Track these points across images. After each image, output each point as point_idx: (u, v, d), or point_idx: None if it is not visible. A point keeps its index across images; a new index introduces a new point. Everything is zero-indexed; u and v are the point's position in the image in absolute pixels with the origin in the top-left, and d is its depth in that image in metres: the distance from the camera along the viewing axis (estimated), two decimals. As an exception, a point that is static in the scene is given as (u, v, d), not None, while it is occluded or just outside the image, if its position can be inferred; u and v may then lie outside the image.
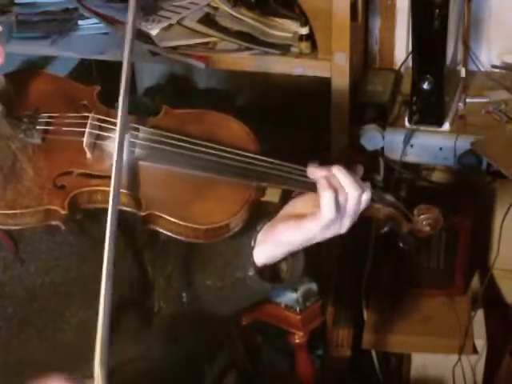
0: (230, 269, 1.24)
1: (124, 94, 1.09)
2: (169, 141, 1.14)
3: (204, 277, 1.28)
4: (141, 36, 1.86)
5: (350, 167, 1.18)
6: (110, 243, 1.03)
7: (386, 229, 1.24)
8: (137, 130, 1.13)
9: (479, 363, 2.08)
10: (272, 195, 1.65)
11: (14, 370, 1.19)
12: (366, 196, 1.16)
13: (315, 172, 1.15)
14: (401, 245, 1.26)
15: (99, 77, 2.17)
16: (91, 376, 0.99)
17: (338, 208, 1.13)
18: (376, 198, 1.20)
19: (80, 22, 1.93)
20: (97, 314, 1.13)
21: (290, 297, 1.81)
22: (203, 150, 1.14)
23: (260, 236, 1.21)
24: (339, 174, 1.14)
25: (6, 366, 1.18)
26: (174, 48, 1.87)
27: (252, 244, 1.21)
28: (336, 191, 1.13)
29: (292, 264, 1.24)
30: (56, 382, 1.01)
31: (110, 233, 1.03)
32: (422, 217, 1.24)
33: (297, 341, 1.84)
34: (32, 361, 1.19)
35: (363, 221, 1.19)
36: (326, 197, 1.12)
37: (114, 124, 1.12)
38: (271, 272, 1.24)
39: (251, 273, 1.20)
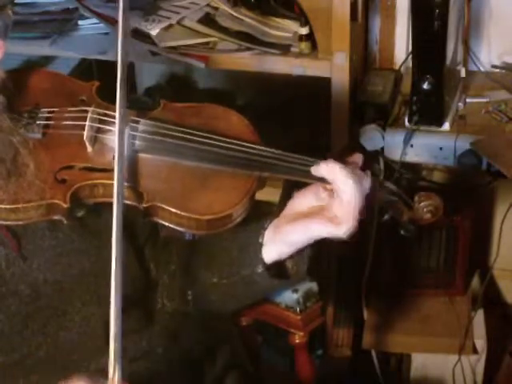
0: (236, 266, 1.24)
1: (120, 83, 1.10)
2: (168, 132, 1.14)
3: (210, 275, 1.28)
4: (141, 36, 1.87)
5: (349, 156, 1.19)
6: (117, 235, 1.03)
7: (386, 217, 1.24)
8: (137, 122, 1.14)
9: (479, 363, 2.07)
10: (272, 195, 1.65)
11: (17, 367, 1.19)
12: (366, 185, 1.16)
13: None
14: (402, 233, 1.25)
15: (99, 77, 2.17)
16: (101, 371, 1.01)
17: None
18: (376, 187, 1.20)
19: (80, 22, 1.93)
20: (99, 309, 1.13)
21: (290, 297, 1.81)
22: (203, 140, 1.15)
23: (268, 234, 1.21)
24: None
25: (10, 362, 1.18)
26: (174, 48, 1.87)
27: (260, 241, 1.21)
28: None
29: (297, 260, 1.24)
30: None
31: (116, 226, 1.03)
32: (422, 204, 1.23)
33: (297, 341, 1.84)
34: (35, 358, 1.19)
35: (363, 219, 1.19)
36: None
37: (114, 117, 1.12)
38: (277, 269, 1.24)
39: (260, 270, 1.21)
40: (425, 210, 1.23)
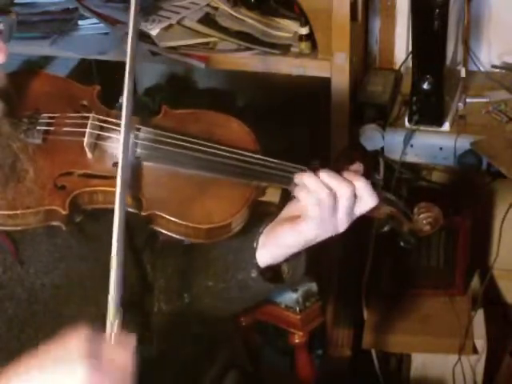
0: (231, 271, 1.24)
1: (128, 95, 1.10)
2: (169, 140, 1.14)
3: (206, 279, 1.28)
4: (141, 36, 1.86)
5: (349, 165, 1.18)
6: (118, 240, 1.02)
7: (386, 228, 1.23)
8: (138, 129, 1.14)
9: (479, 363, 2.07)
10: (272, 195, 1.65)
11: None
12: (374, 198, 1.15)
13: (301, 177, 1.15)
14: (401, 244, 1.25)
15: (99, 77, 2.17)
16: None
17: (324, 207, 1.12)
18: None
19: (80, 22, 1.93)
20: (97, 314, 1.12)
21: (289, 297, 1.81)
22: (204, 149, 1.14)
23: (262, 238, 1.20)
24: (325, 176, 1.13)
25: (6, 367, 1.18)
26: (174, 48, 1.87)
27: (254, 245, 1.20)
28: (316, 192, 1.12)
29: (293, 265, 1.24)
30: (78, 334, 1.00)
31: (117, 230, 1.03)
32: (422, 216, 1.23)
33: (297, 341, 1.85)
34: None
35: (363, 220, 1.19)
36: (303, 198, 1.12)
37: (115, 124, 1.12)
38: (272, 273, 1.24)
39: (254, 274, 1.20)
40: (424, 221, 1.23)
